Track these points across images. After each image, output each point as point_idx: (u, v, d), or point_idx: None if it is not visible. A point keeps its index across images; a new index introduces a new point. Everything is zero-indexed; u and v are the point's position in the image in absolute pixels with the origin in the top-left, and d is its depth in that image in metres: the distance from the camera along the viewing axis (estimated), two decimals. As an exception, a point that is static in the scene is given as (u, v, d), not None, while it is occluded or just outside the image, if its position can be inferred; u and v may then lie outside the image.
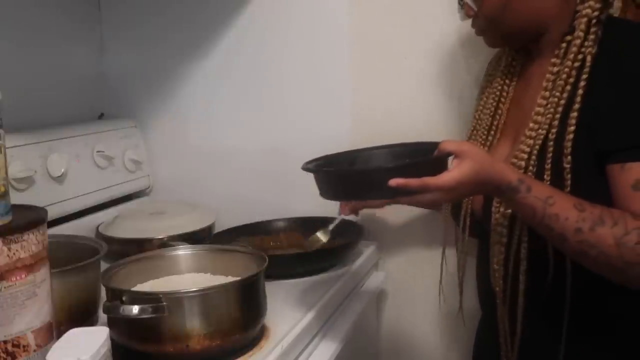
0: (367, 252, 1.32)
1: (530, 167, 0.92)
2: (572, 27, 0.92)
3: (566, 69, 0.90)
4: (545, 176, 0.89)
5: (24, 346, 0.69)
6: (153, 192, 1.59)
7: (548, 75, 0.93)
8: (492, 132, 1.07)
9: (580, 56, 0.90)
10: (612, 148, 0.85)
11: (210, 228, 1.36)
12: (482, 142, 1.07)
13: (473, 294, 1.16)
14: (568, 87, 0.90)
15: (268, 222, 1.40)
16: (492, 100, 1.08)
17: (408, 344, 1.46)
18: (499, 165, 0.84)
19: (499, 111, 1.07)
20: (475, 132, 1.10)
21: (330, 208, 1.38)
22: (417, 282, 1.42)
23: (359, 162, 1.05)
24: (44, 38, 1.37)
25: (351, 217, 1.19)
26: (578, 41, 0.90)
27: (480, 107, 1.11)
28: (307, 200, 1.43)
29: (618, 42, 0.88)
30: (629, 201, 0.83)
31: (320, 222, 1.31)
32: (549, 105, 0.92)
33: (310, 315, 1.00)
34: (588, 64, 0.88)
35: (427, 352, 1.45)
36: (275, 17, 1.44)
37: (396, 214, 1.42)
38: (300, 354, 0.94)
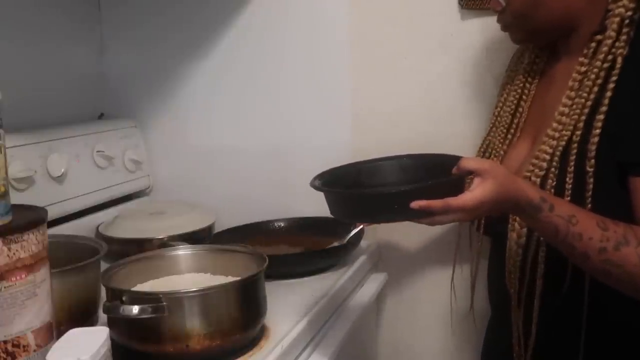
0: (367, 252, 1.32)
1: (552, 169, 0.90)
2: (602, 26, 0.89)
3: (595, 70, 0.88)
4: (567, 179, 0.87)
5: (24, 346, 0.69)
6: (153, 192, 1.59)
7: (575, 75, 0.91)
8: (512, 131, 1.05)
9: (610, 57, 0.87)
10: (634, 160, 0.83)
11: (210, 228, 1.36)
12: (501, 140, 1.05)
13: (478, 295, 1.16)
14: (596, 89, 0.87)
15: (268, 222, 1.40)
16: (512, 98, 1.06)
17: (408, 345, 1.46)
18: (520, 183, 0.82)
19: (520, 109, 1.05)
20: (494, 129, 1.08)
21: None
22: (417, 283, 1.42)
23: (365, 176, 1.01)
24: (44, 38, 1.37)
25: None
26: (609, 41, 0.87)
27: (500, 104, 1.09)
28: (307, 200, 1.43)
29: None
30: None
31: (315, 224, 1.32)
32: (574, 106, 0.90)
33: (310, 316, 1.00)
34: (618, 65, 0.86)
35: (427, 353, 1.45)
36: (275, 17, 1.44)
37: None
38: (300, 354, 0.94)
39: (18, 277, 0.68)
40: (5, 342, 0.68)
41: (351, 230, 1.23)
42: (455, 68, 1.33)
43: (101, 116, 1.57)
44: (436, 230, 1.34)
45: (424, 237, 1.40)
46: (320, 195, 1.49)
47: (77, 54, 1.51)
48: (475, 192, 0.78)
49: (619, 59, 0.86)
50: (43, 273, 0.72)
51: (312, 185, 0.93)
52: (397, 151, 1.38)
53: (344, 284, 1.16)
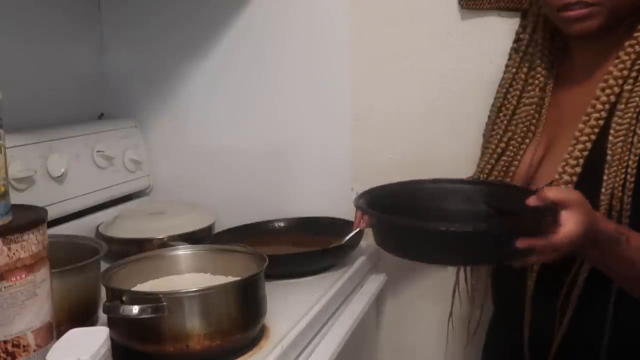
0: (366, 252, 1.32)
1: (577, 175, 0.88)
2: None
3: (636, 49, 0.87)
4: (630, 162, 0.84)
5: (24, 346, 0.69)
6: (153, 192, 1.59)
7: (625, 58, 0.88)
8: (530, 134, 1.03)
9: None
10: None
11: (210, 228, 1.36)
12: (520, 142, 1.03)
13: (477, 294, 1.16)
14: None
15: (268, 222, 1.40)
16: (535, 99, 1.03)
17: (408, 345, 1.46)
18: (597, 213, 0.77)
19: (536, 115, 1.02)
20: (511, 133, 1.04)
21: (330, 208, 1.39)
22: (417, 284, 1.42)
23: (423, 199, 0.88)
24: (44, 38, 1.37)
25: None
26: None
27: (512, 106, 1.05)
28: (307, 200, 1.43)
29: None
30: None
31: (315, 224, 1.32)
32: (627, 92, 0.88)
33: (310, 315, 1.00)
34: None
35: (427, 354, 1.45)
36: (275, 17, 1.44)
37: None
38: (300, 354, 0.94)
39: (18, 277, 0.68)
40: (5, 342, 0.68)
41: (351, 231, 1.22)
42: (455, 68, 1.33)
43: (101, 116, 1.57)
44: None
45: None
46: (320, 196, 1.48)
47: (77, 54, 1.51)
48: (569, 228, 0.72)
49: None
50: (43, 273, 0.72)
51: (361, 207, 0.80)
52: (397, 151, 1.39)
53: (343, 284, 1.16)
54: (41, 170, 1.21)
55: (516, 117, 1.05)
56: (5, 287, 0.67)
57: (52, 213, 1.16)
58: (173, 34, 1.52)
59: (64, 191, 1.26)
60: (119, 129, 1.49)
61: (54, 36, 1.41)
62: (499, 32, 1.25)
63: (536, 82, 1.03)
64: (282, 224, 1.40)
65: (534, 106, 1.02)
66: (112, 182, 1.42)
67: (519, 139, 1.03)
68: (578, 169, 0.89)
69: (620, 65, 0.89)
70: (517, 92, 1.06)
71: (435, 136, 1.35)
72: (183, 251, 1.02)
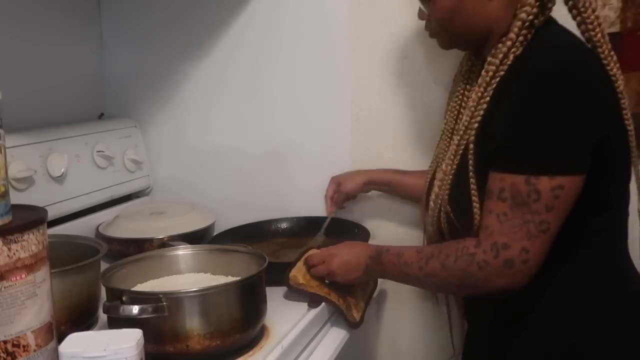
0: (367, 252, 1.32)
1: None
2: (508, 29, 0.93)
3: (492, 67, 0.92)
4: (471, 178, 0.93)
5: (24, 346, 0.69)
6: (153, 192, 1.59)
7: (483, 74, 0.94)
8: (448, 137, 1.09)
9: (511, 55, 0.91)
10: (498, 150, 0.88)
11: (210, 228, 1.36)
12: (446, 146, 1.07)
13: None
14: (492, 85, 0.92)
15: (268, 222, 1.41)
16: (454, 104, 1.09)
17: (408, 343, 1.46)
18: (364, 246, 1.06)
19: (460, 115, 1.07)
20: (443, 135, 1.11)
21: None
22: (417, 282, 1.42)
23: None
24: (44, 38, 1.37)
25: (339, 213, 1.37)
26: (509, 42, 0.91)
27: (448, 112, 1.12)
28: (307, 200, 1.43)
29: (530, 54, 0.89)
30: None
31: (315, 224, 1.33)
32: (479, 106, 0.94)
33: (310, 315, 1.00)
34: (509, 62, 0.90)
35: (427, 352, 1.45)
36: (275, 17, 1.44)
37: (396, 214, 1.42)
38: (300, 354, 0.94)
39: (18, 277, 0.68)
40: (5, 342, 0.68)
41: (324, 222, 1.33)
42: (455, 68, 1.33)
43: (101, 116, 1.57)
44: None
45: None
46: (320, 196, 1.50)
47: (77, 54, 1.51)
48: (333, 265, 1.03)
49: (511, 57, 0.90)
50: (43, 273, 0.72)
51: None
52: (397, 151, 1.39)
53: (344, 284, 1.16)
54: (41, 170, 1.21)
55: (444, 126, 1.11)
56: (5, 287, 0.67)
57: (52, 213, 1.16)
58: (173, 34, 1.52)
59: (64, 191, 1.26)
60: (119, 129, 1.49)
61: (54, 36, 1.41)
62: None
63: (458, 88, 1.10)
64: (282, 224, 1.41)
65: (455, 111, 1.09)
66: (112, 182, 1.42)
67: (444, 146, 1.09)
68: (450, 167, 0.98)
69: (479, 81, 0.95)
70: (450, 99, 1.15)
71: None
72: (183, 251, 1.02)
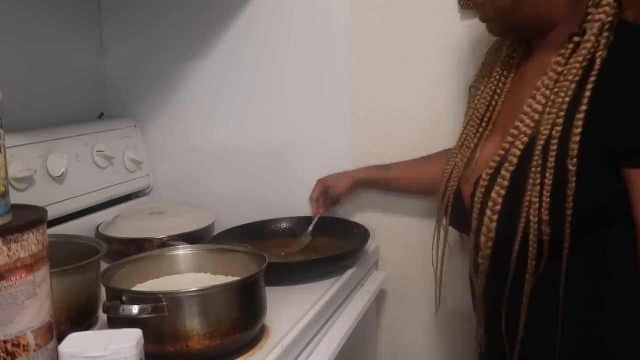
0: (367, 252, 1.32)
1: (534, 166, 0.90)
2: (582, 28, 0.90)
3: (573, 70, 0.89)
4: (547, 174, 0.88)
5: (24, 346, 0.69)
6: (153, 192, 1.59)
7: (551, 74, 0.92)
8: (484, 124, 1.06)
9: (589, 57, 0.88)
10: (635, 149, 0.86)
11: (210, 228, 1.36)
12: (474, 133, 1.06)
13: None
14: (574, 86, 0.89)
15: (268, 222, 1.40)
16: (489, 90, 1.06)
17: (408, 344, 1.46)
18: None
19: (494, 103, 1.05)
20: (471, 122, 1.08)
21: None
22: (417, 282, 1.42)
23: None
24: (44, 38, 1.37)
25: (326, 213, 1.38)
26: (589, 45, 0.88)
27: (478, 97, 1.09)
28: (307, 200, 1.43)
29: (629, 46, 0.87)
30: None
31: (304, 224, 1.34)
32: (550, 104, 0.91)
33: (310, 315, 1.00)
34: (597, 66, 0.87)
35: (427, 352, 1.45)
36: (276, 17, 1.44)
37: (397, 213, 1.42)
38: (300, 354, 0.94)
39: (18, 277, 0.68)
40: (5, 342, 0.68)
41: (312, 222, 1.35)
42: (455, 68, 1.33)
43: (101, 116, 1.57)
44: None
45: (424, 237, 1.40)
46: (320, 195, 1.48)
47: (77, 54, 1.51)
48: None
49: (598, 61, 0.88)
50: (43, 273, 0.72)
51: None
52: (397, 151, 1.39)
53: (343, 284, 1.16)
54: (41, 170, 1.21)
55: (476, 108, 1.08)
56: (5, 287, 0.67)
57: (52, 213, 1.16)
58: (173, 34, 1.52)
59: (64, 191, 1.26)
60: (119, 129, 1.49)
61: (54, 36, 1.41)
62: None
63: (494, 74, 1.06)
64: (282, 224, 1.41)
65: (487, 97, 1.06)
66: (112, 182, 1.42)
67: (471, 134, 1.06)
68: (515, 160, 0.92)
69: (546, 82, 0.92)
70: (480, 84, 1.10)
71: (435, 136, 1.35)
72: (183, 251, 1.02)
